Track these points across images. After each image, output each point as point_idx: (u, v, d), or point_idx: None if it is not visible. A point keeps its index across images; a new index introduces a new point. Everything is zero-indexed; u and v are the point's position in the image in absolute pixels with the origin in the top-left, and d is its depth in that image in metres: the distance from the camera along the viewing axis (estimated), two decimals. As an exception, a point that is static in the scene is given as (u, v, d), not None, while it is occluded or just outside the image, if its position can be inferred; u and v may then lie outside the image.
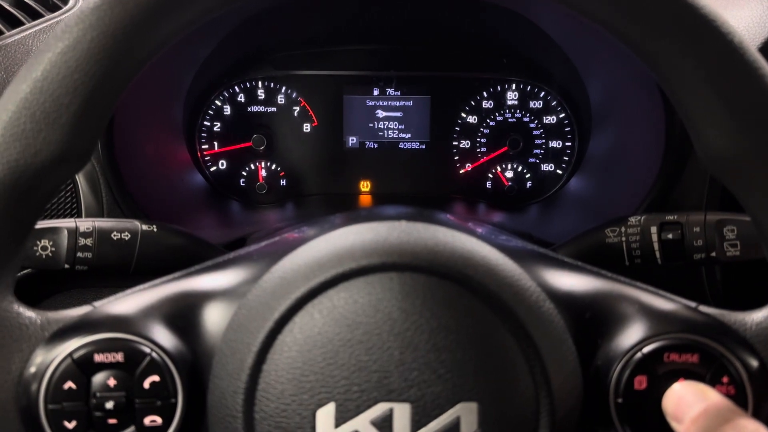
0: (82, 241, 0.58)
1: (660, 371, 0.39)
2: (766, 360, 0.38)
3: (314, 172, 0.99)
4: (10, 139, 0.34)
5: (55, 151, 0.35)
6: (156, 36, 0.36)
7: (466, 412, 0.35)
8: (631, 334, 0.40)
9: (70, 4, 0.78)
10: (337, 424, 0.35)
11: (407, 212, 0.47)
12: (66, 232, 0.58)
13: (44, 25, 0.74)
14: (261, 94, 0.97)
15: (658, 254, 0.60)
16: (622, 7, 0.36)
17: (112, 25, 0.34)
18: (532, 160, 0.98)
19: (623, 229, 0.61)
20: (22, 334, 0.38)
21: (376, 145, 0.99)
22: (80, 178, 0.72)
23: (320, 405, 0.35)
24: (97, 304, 0.41)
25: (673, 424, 0.37)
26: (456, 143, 0.98)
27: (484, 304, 0.37)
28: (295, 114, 0.97)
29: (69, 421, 0.37)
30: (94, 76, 0.35)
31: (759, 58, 0.36)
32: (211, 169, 0.98)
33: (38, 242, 0.57)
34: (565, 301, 0.41)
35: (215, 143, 0.97)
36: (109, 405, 0.37)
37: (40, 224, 0.58)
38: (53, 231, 0.58)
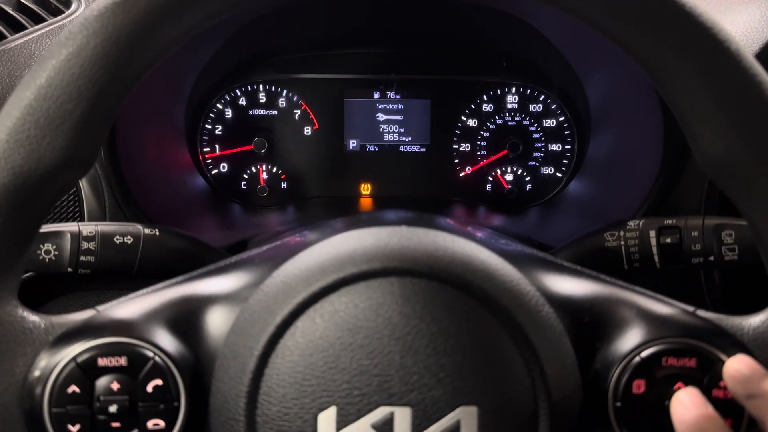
0: (85, 245, 0.58)
1: (658, 375, 0.39)
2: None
3: (315, 175, 0.99)
4: (14, 145, 0.35)
5: (59, 157, 0.35)
6: (159, 42, 0.36)
7: (466, 416, 0.35)
8: (630, 339, 0.40)
9: (73, 8, 0.78)
10: (339, 428, 0.35)
11: (407, 217, 0.47)
12: (69, 235, 0.58)
13: (47, 29, 0.74)
14: (262, 97, 0.97)
15: (656, 258, 0.60)
16: (620, 12, 0.36)
17: (115, 32, 0.35)
18: (531, 163, 0.98)
19: (622, 233, 0.61)
20: (26, 338, 0.38)
21: (376, 148, 0.99)
22: (83, 182, 0.73)
23: (322, 409, 0.36)
24: (101, 308, 0.41)
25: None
26: (456, 146, 0.99)
27: (484, 309, 0.37)
28: (296, 117, 0.98)
29: (73, 425, 0.37)
30: (97, 83, 0.35)
31: (756, 64, 0.36)
32: (213, 172, 0.98)
33: (41, 246, 0.58)
34: (564, 305, 0.41)
35: (216, 146, 0.98)
36: (113, 408, 0.38)
37: (44, 228, 0.58)
38: (56, 235, 0.58)
